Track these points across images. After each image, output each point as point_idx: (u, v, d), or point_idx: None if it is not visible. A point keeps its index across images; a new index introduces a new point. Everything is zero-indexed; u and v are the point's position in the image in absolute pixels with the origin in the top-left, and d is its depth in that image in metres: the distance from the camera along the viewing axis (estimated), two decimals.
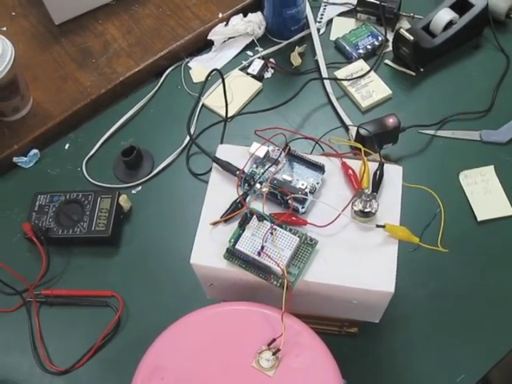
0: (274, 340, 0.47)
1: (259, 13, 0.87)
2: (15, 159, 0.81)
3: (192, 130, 0.80)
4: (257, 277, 0.49)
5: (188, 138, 0.80)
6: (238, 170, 0.53)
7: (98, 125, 0.83)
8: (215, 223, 0.52)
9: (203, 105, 0.83)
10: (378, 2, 0.84)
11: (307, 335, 0.49)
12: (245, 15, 0.88)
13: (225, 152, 0.56)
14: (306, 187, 0.52)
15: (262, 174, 0.53)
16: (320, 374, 0.47)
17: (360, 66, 0.82)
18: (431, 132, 0.77)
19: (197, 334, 0.49)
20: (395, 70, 0.83)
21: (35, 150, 0.81)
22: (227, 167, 0.54)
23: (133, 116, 0.84)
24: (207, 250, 0.51)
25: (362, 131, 0.69)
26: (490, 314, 0.65)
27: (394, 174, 0.53)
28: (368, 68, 0.82)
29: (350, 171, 0.53)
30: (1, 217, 0.77)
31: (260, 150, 0.54)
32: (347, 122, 0.77)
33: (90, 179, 0.78)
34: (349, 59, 0.84)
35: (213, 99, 0.83)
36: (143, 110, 0.85)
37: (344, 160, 0.54)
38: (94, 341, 0.66)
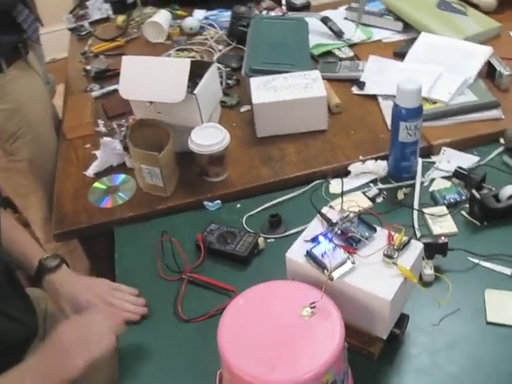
0: (314, 302, 0.83)
1: (385, 161, 1.29)
2: (205, 203, 1.28)
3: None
4: (317, 270, 0.87)
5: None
6: (326, 217, 0.93)
7: (262, 199, 1.28)
8: (306, 240, 0.91)
9: (330, 206, 1.25)
10: (466, 173, 1.22)
11: (333, 310, 0.83)
12: (376, 160, 1.31)
13: (328, 212, 0.96)
14: (362, 235, 0.89)
15: (341, 223, 0.92)
16: (332, 331, 0.81)
17: (442, 209, 1.19)
18: (475, 261, 1.09)
19: (273, 292, 0.87)
20: (466, 218, 1.18)
21: (218, 201, 1.28)
22: (322, 215, 0.94)
23: (283, 201, 1.28)
24: (297, 252, 0.90)
25: (422, 239, 1.05)
26: None
27: (416, 245, 0.89)
28: (447, 212, 1.18)
29: (391, 235, 0.90)
30: (184, 232, 1.22)
31: (345, 212, 0.94)
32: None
33: (245, 226, 1.22)
34: (436, 204, 1.21)
35: (337, 203, 1.24)
36: (291, 200, 1.28)
37: (389, 230, 0.91)
38: (209, 310, 1.05)
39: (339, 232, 0.91)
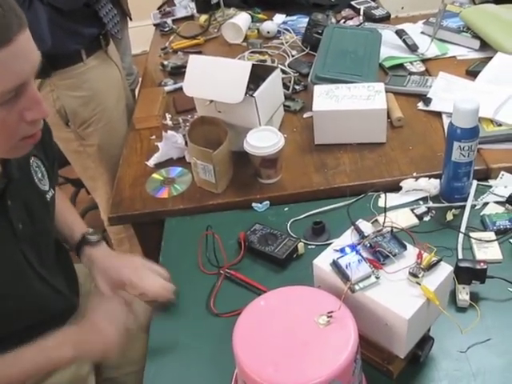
0: (331, 311, 0.84)
1: (438, 180, 1.27)
2: (254, 205, 1.31)
3: None
4: (341, 280, 0.87)
5: None
6: (359, 229, 0.94)
7: (310, 205, 1.29)
8: (335, 250, 0.92)
9: (376, 220, 1.24)
10: None
11: (350, 322, 0.84)
12: (429, 178, 1.29)
13: (361, 225, 0.97)
14: (391, 251, 0.89)
15: (373, 237, 0.92)
16: (345, 342, 0.81)
17: (489, 235, 1.15)
18: None
19: (295, 297, 0.88)
20: None
21: (267, 202, 1.31)
22: (355, 226, 0.95)
23: (330, 210, 1.29)
24: (325, 261, 0.91)
25: (460, 262, 1.03)
26: None
27: (445, 267, 0.88)
28: (494, 238, 1.14)
29: (420, 254, 0.89)
30: (229, 230, 1.25)
31: (379, 227, 0.94)
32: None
33: (289, 230, 1.24)
34: (485, 229, 1.18)
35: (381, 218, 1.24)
36: (338, 209, 1.29)
37: (420, 249, 0.90)
38: (239, 307, 1.08)
39: (368, 245, 0.91)
